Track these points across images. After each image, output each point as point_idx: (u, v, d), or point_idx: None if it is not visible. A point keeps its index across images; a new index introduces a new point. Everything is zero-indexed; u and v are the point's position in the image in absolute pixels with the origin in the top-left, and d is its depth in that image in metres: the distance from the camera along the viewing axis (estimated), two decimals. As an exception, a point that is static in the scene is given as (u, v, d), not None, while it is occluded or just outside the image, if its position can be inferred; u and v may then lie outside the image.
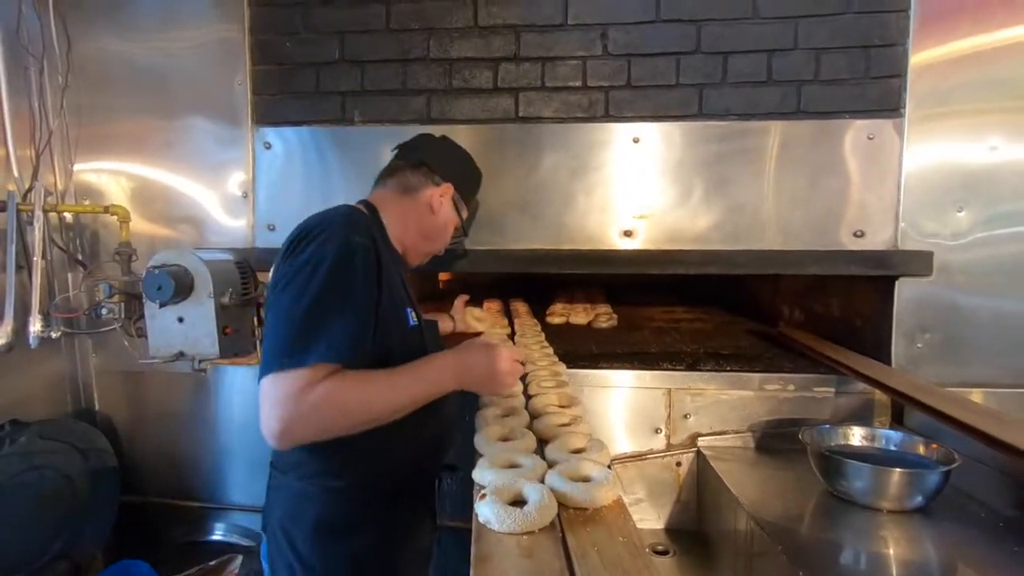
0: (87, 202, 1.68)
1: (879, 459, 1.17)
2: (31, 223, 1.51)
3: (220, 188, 1.67)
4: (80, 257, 1.71)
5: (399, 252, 1.18)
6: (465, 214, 1.29)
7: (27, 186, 1.56)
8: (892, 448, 1.24)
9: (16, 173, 1.55)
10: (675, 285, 3.15)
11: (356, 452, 1.01)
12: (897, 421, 1.46)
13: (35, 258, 1.47)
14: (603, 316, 2.32)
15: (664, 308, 2.71)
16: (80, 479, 1.57)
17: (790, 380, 1.51)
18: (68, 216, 1.70)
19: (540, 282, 2.75)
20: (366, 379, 0.94)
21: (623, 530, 0.80)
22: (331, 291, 0.92)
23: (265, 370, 0.89)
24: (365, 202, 1.18)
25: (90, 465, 1.60)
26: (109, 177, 1.71)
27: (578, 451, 1.04)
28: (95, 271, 1.67)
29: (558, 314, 2.35)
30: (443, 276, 3.21)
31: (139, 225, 1.70)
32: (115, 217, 1.61)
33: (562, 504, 0.85)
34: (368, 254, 0.98)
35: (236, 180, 1.66)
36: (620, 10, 1.50)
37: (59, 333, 1.53)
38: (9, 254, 1.43)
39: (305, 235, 0.97)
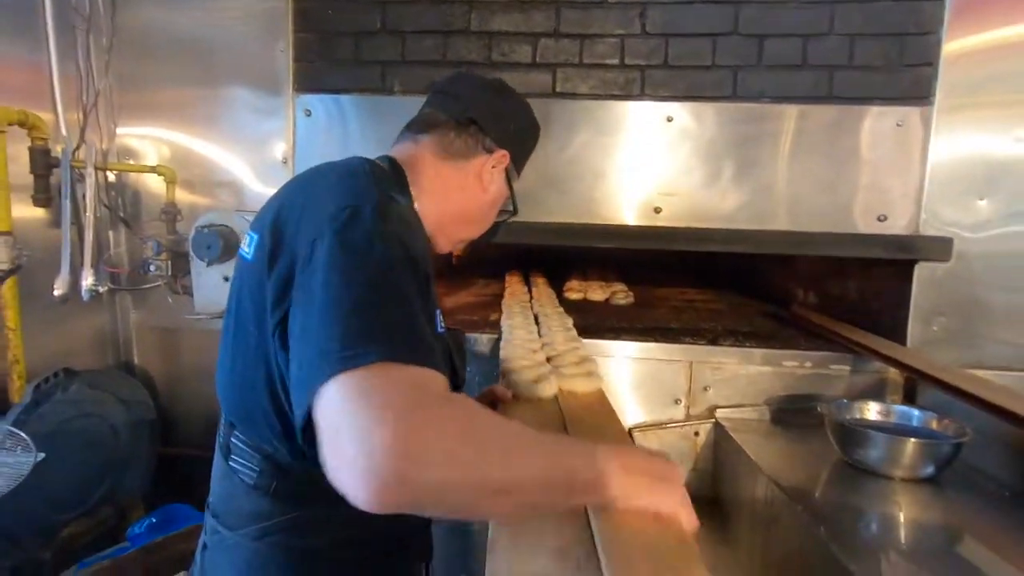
0: (130, 162, 1.73)
1: (895, 432, 1.23)
2: (80, 180, 1.55)
3: (259, 154, 1.71)
4: (122, 215, 1.76)
5: (427, 232, 0.88)
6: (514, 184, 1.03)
7: (75, 145, 1.60)
8: (906, 423, 1.30)
9: (64, 132, 1.59)
10: (687, 266, 3.20)
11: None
12: (909, 399, 1.52)
13: (88, 214, 1.52)
14: (620, 293, 2.37)
15: (677, 289, 2.76)
16: (123, 428, 1.65)
17: (807, 357, 1.57)
18: (111, 176, 1.75)
19: (552, 258, 2.81)
20: (501, 419, 0.62)
21: (603, 405, 1.08)
22: (410, 285, 0.64)
23: (332, 367, 0.53)
24: (388, 159, 0.92)
25: (132, 416, 1.67)
26: (150, 141, 1.75)
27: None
28: (138, 230, 1.72)
29: (575, 290, 2.40)
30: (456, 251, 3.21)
31: (178, 188, 1.74)
32: (161, 178, 1.66)
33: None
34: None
35: (275, 146, 1.70)
36: (660, -11, 1.53)
37: (106, 288, 1.59)
38: (64, 209, 1.48)
39: (347, 209, 0.67)
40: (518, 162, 1.03)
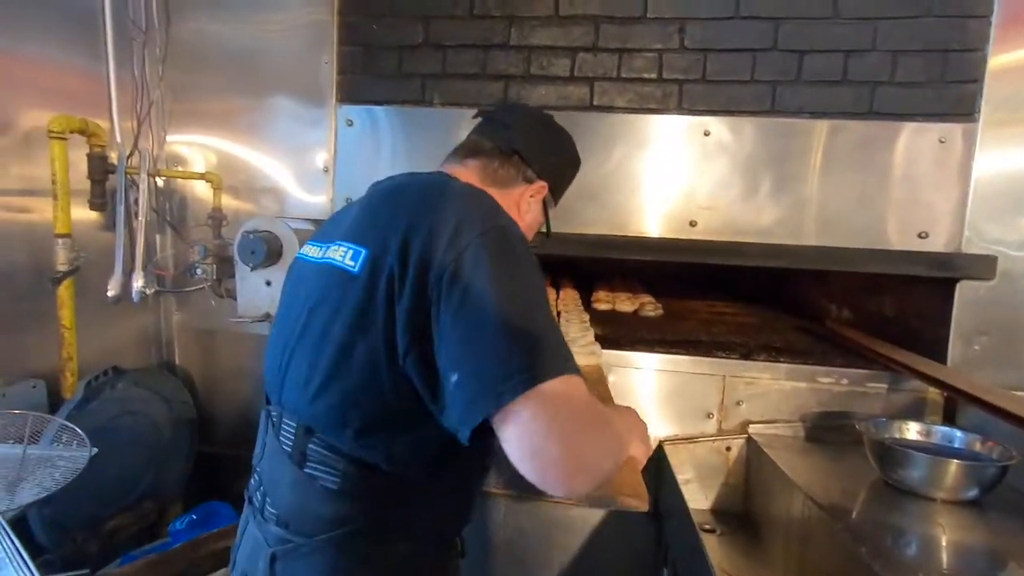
0: (179, 169, 1.80)
1: (935, 453, 1.21)
2: (133, 185, 1.62)
3: (302, 162, 1.76)
4: (170, 220, 1.83)
5: None
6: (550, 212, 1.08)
7: (128, 152, 1.67)
8: (948, 444, 1.28)
9: (119, 139, 1.67)
10: (714, 279, 3.17)
11: (437, 497, 0.83)
12: (949, 420, 1.49)
13: (140, 219, 1.58)
14: (649, 305, 2.37)
15: (705, 301, 2.74)
16: (165, 426, 1.70)
17: (843, 374, 1.55)
18: (160, 182, 1.82)
19: (579, 269, 2.82)
20: (604, 410, 0.74)
21: (600, 376, 1.42)
22: (547, 297, 0.76)
23: (522, 384, 0.63)
24: (443, 174, 0.93)
25: (174, 414, 1.73)
26: (198, 148, 1.82)
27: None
28: (185, 234, 1.78)
29: (603, 301, 2.40)
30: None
31: (223, 195, 1.80)
32: (209, 184, 1.72)
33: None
34: None
35: (317, 155, 1.75)
36: (698, 5, 1.54)
37: (153, 290, 1.65)
38: (118, 214, 1.54)
39: (493, 229, 0.74)
40: (556, 192, 1.09)
